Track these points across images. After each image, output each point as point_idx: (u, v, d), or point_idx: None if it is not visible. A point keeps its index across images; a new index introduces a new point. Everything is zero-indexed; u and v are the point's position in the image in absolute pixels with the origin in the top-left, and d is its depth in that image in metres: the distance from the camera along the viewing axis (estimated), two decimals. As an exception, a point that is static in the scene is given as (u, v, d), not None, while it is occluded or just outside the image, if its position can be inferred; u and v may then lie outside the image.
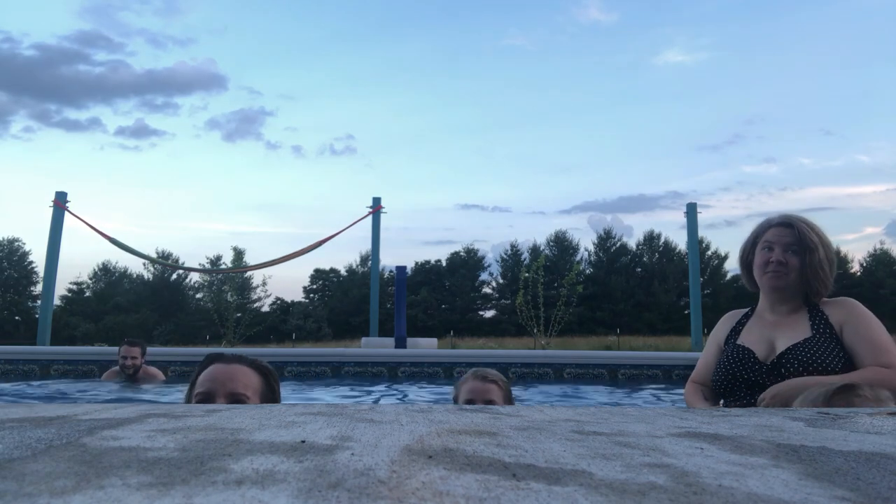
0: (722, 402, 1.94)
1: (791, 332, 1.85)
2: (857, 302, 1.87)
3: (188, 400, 1.65)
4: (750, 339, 1.93)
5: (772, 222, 1.97)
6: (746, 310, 2.08)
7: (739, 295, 46.29)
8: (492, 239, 76.02)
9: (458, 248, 58.09)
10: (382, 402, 4.42)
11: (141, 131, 65.15)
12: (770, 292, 1.94)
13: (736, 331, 2.02)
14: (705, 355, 2.10)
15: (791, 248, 1.88)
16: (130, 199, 70.76)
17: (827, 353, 1.75)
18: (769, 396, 1.71)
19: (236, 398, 1.57)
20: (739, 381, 1.86)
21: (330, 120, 75.62)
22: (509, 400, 2.41)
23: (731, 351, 1.93)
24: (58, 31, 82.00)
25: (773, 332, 1.89)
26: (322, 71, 73.17)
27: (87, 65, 63.09)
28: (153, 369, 5.04)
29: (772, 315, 1.95)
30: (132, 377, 4.73)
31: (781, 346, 1.83)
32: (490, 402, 2.29)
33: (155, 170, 70.09)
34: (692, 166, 70.65)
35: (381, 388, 5.15)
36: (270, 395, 1.69)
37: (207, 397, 1.57)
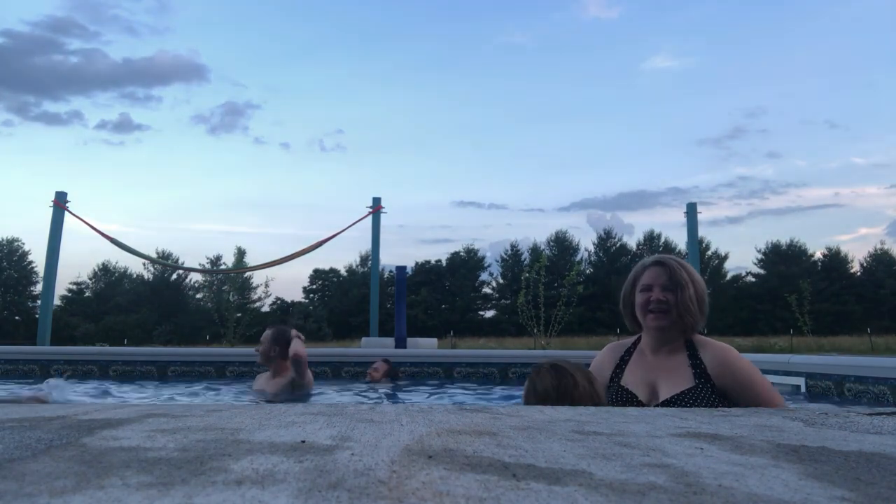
0: None
1: (672, 379, 1.90)
2: (730, 350, 1.92)
3: None
4: (633, 380, 1.98)
5: (646, 264, 2.06)
6: (629, 343, 2.11)
7: (740, 295, 46.22)
8: (490, 237, 75.60)
9: (454, 246, 58.16)
10: (382, 402, 4.42)
11: (124, 125, 63.85)
12: (655, 332, 1.98)
13: (620, 367, 2.05)
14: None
15: (666, 287, 1.97)
16: (121, 197, 69.88)
17: (706, 406, 1.80)
18: None
19: None
20: None
21: (319, 115, 74.40)
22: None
23: (616, 392, 1.99)
24: (26, 17, 78.85)
25: (654, 375, 1.95)
26: (310, 64, 72.34)
27: (61, 54, 60.45)
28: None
29: (653, 355, 2.00)
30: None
31: (664, 393, 1.89)
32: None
33: (144, 166, 69.20)
34: (693, 163, 70.39)
35: (382, 388, 5.15)
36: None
37: None
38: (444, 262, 52.39)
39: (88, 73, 60.45)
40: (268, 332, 3.94)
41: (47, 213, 9.65)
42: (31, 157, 67.86)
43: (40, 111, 66.16)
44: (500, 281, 51.24)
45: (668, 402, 1.85)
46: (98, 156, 66.23)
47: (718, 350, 1.92)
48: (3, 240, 48.64)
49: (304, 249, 10.67)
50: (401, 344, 7.73)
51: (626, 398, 1.94)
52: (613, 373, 2.05)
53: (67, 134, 66.69)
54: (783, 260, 47.46)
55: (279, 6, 69.83)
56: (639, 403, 1.90)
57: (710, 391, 1.84)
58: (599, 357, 2.14)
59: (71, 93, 70.23)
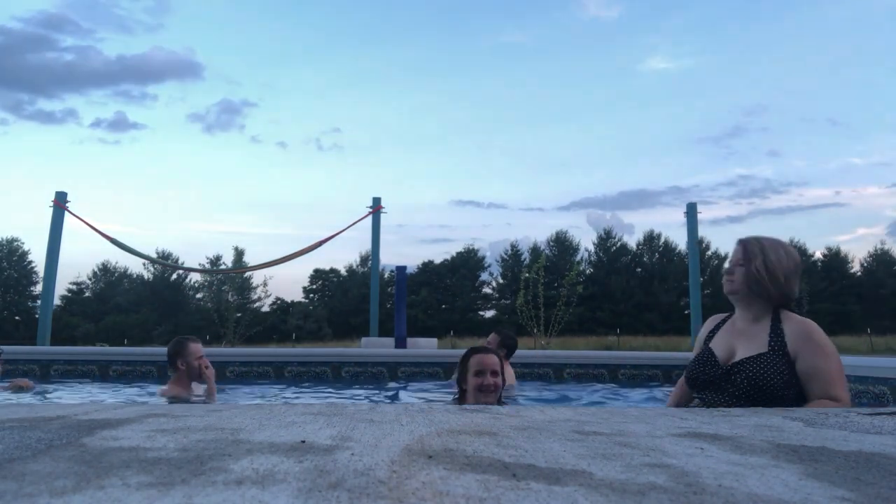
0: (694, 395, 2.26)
1: (749, 343, 2.10)
2: (816, 328, 2.05)
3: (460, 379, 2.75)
4: (718, 342, 2.21)
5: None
6: (726, 315, 2.34)
7: (739, 295, 46.09)
8: (489, 237, 75.17)
9: (454, 246, 58.07)
10: (382, 402, 4.42)
11: (120, 124, 62.78)
12: (729, 298, 2.23)
13: (713, 332, 2.29)
14: (694, 352, 2.40)
15: (738, 262, 2.19)
16: (120, 197, 69.04)
17: (774, 372, 1.98)
18: None
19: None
20: (700, 379, 2.16)
21: (316, 113, 73.32)
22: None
23: (703, 352, 2.22)
24: (18, 14, 76.95)
25: (736, 339, 2.16)
26: (306, 62, 71.34)
27: (54, 51, 59.65)
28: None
29: (741, 322, 2.20)
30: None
31: (739, 355, 2.09)
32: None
33: (140, 165, 68.52)
34: (693, 162, 70.00)
35: (381, 388, 5.15)
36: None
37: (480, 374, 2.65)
38: (445, 262, 52.41)
39: (83, 70, 59.93)
40: (197, 345, 3.67)
41: (47, 213, 9.65)
42: (27, 157, 67.57)
43: (34, 109, 65.41)
44: (500, 281, 51.25)
45: (740, 363, 2.05)
46: (94, 155, 65.75)
47: (801, 323, 2.07)
48: (3, 240, 48.65)
49: (303, 249, 10.67)
50: (401, 344, 7.73)
51: (707, 357, 2.17)
52: (707, 337, 2.30)
53: (63, 133, 66.19)
54: (783, 260, 47.38)
55: (275, 4, 69.62)
56: (716, 361, 2.13)
57: (781, 358, 2.00)
58: (703, 327, 2.41)
59: (65, 90, 69.69)
